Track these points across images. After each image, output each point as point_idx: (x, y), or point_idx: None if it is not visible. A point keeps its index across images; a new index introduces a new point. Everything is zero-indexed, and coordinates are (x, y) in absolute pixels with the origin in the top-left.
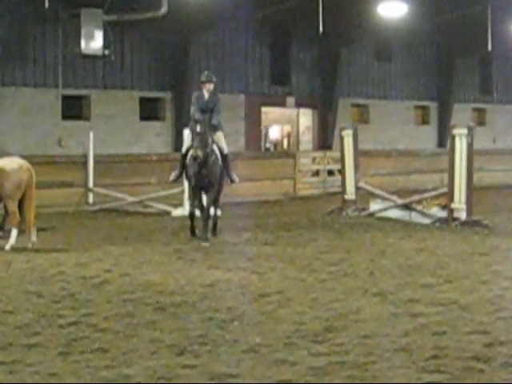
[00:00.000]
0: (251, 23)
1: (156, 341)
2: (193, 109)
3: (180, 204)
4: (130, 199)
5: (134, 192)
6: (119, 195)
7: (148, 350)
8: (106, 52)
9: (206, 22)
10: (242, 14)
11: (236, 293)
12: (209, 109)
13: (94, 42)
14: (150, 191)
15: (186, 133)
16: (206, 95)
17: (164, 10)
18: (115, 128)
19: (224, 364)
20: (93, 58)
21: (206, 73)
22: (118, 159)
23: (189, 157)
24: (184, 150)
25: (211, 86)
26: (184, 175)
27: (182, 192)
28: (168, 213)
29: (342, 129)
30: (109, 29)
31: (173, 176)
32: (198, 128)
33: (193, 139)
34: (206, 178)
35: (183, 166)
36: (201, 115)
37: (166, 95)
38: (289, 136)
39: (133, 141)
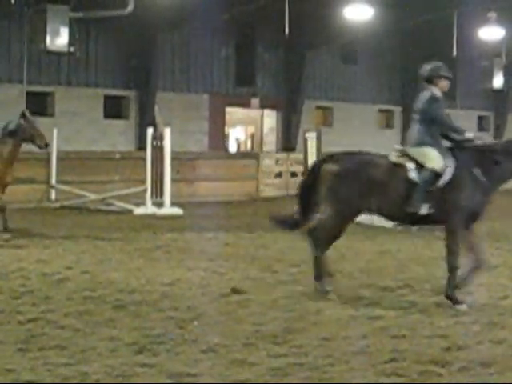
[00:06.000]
0: (217, 23)
1: (115, 339)
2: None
3: (142, 203)
4: (93, 197)
5: (97, 189)
6: (82, 192)
7: (107, 348)
8: (72, 49)
9: (172, 21)
10: (208, 14)
11: (196, 292)
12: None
13: (60, 38)
14: (113, 189)
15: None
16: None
17: (130, 8)
18: (79, 125)
19: (183, 363)
20: (58, 54)
21: (440, 64)
22: (82, 156)
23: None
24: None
25: (447, 84)
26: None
27: (145, 191)
28: (130, 211)
29: (305, 131)
30: (75, 26)
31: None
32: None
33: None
34: None
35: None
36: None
37: (131, 94)
38: (252, 137)
39: (96, 138)
